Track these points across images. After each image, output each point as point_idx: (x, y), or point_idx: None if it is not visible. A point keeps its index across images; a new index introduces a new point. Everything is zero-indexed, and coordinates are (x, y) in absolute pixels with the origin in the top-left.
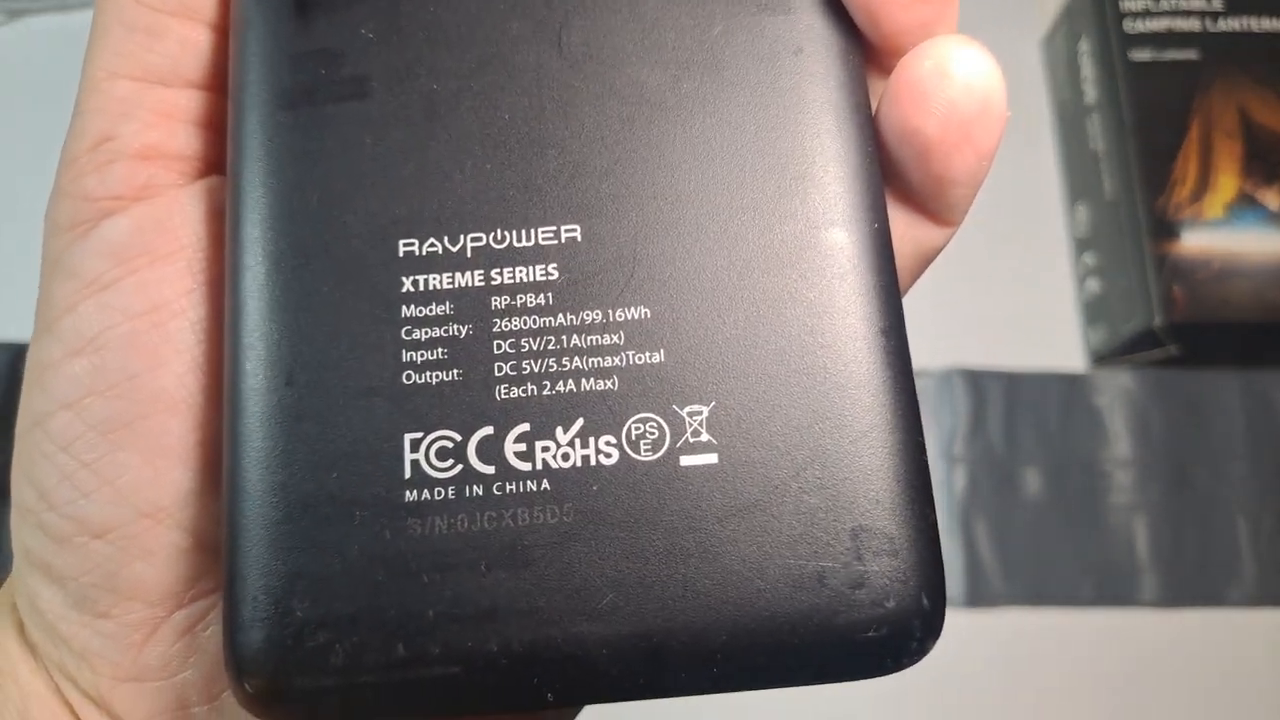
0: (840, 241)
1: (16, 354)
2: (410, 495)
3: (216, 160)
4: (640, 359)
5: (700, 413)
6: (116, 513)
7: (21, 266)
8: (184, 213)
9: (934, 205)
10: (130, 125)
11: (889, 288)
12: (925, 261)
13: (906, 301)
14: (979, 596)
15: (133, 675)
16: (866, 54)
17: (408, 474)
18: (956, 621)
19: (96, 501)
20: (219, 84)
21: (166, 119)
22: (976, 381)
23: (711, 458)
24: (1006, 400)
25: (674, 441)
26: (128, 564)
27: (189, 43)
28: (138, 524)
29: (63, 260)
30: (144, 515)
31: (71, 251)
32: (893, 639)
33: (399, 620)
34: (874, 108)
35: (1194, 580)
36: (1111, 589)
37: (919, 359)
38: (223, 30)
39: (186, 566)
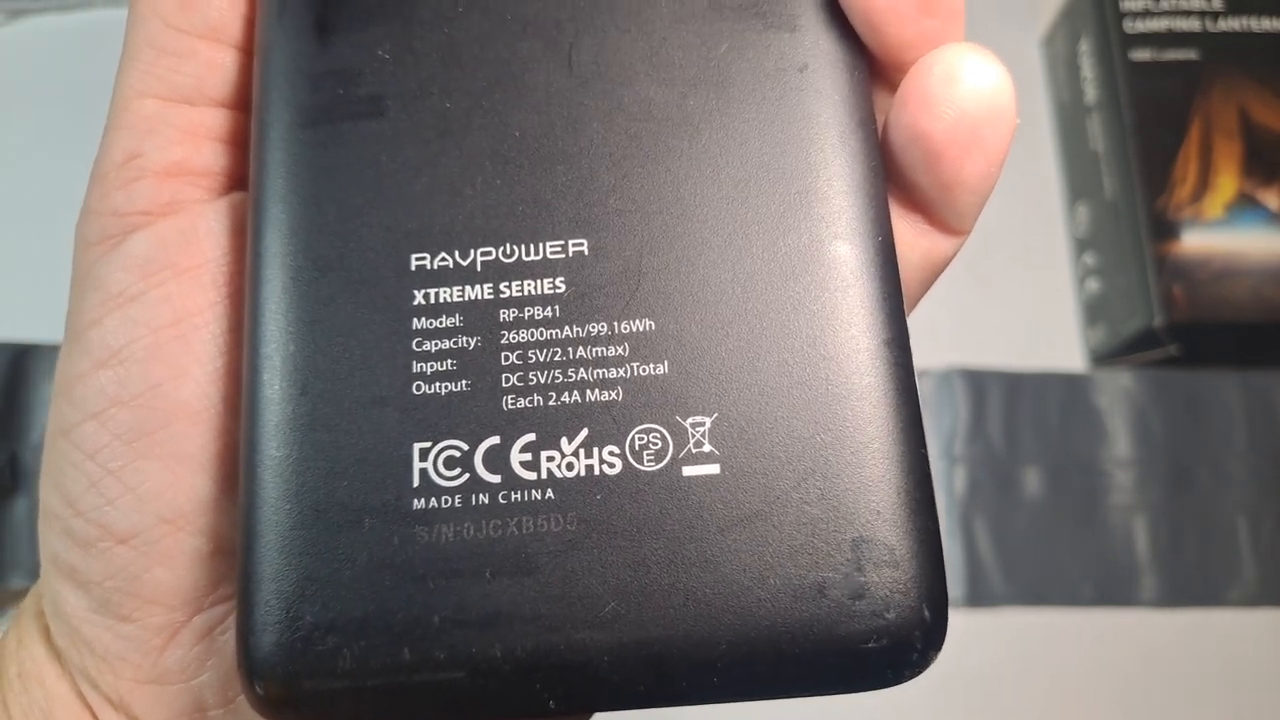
0: (844, 255)
1: (16, 354)
2: (418, 503)
3: (241, 177)
4: (644, 370)
5: (703, 424)
6: (139, 519)
7: (22, 266)
8: (208, 227)
9: (943, 213)
10: (156, 142)
11: (893, 300)
12: (935, 271)
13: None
14: (979, 596)
15: (152, 678)
16: (872, 69)
17: (416, 482)
18: (956, 621)
19: (120, 508)
20: (243, 103)
21: (192, 137)
22: (976, 381)
23: (714, 468)
24: (1006, 400)
25: (677, 452)
26: (149, 569)
27: (214, 64)
28: (159, 530)
29: (90, 274)
30: (165, 521)
31: (99, 266)
32: (893, 650)
33: (405, 625)
34: (881, 121)
35: (1194, 580)
36: (1111, 589)
37: (919, 359)
38: (247, 51)
39: (206, 572)
